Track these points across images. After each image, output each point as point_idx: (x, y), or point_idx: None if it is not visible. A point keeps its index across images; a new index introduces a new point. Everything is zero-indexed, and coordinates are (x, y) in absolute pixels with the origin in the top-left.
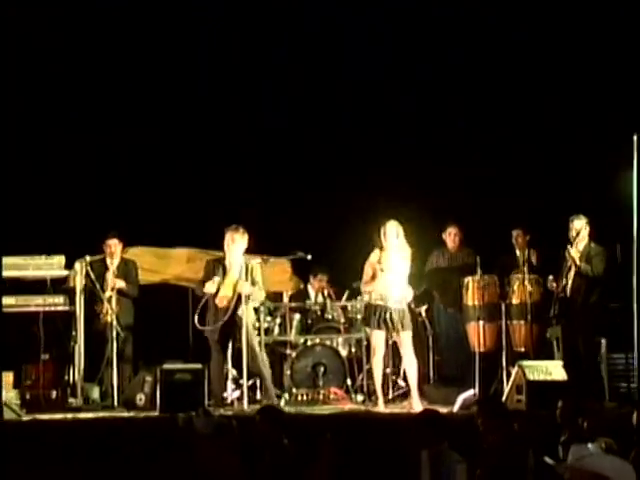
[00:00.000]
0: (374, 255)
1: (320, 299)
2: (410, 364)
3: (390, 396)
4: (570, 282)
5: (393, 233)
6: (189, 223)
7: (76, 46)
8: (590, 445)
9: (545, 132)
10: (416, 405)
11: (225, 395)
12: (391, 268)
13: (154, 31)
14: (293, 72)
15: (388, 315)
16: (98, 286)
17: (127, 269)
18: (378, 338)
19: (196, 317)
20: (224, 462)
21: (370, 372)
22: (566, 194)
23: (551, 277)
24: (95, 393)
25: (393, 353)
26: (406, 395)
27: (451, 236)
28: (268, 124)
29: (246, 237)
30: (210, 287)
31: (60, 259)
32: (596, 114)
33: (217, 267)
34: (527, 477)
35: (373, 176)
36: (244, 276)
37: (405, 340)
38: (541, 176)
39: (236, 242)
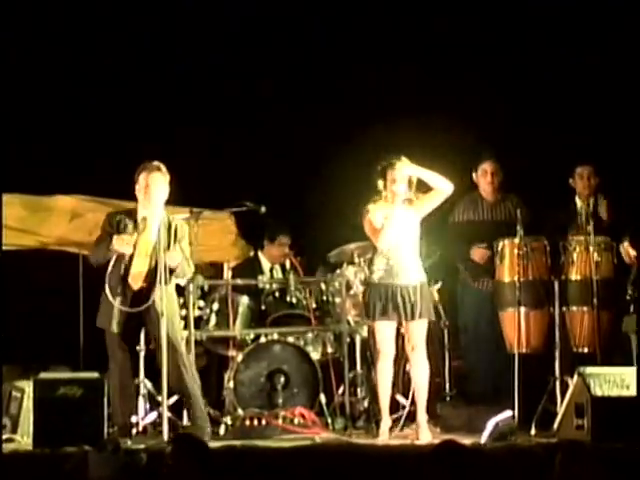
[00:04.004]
0: (374, 208)
1: (279, 274)
2: (420, 370)
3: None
4: None
5: (404, 178)
6: (78, 161)
7: None
8: None
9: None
10: (424, 434)
11: (134, 419)
12: (401, 229)
13: None
14: None
15: (401, 297)
16: None
17: None
18: (387, 331)
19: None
20: None
21: (356, 382)
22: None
23: (626, 242)
24: None
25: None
26: (411, 418)
27: (487, 176)
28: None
29: (168, 179)
30: (121, 245)
31: None
32: None
33: (123, 224)
34: None
35: (370, 90)
36: (166, 239)
37: (418, 333)
38: (609, 101)
39: (156, 187)
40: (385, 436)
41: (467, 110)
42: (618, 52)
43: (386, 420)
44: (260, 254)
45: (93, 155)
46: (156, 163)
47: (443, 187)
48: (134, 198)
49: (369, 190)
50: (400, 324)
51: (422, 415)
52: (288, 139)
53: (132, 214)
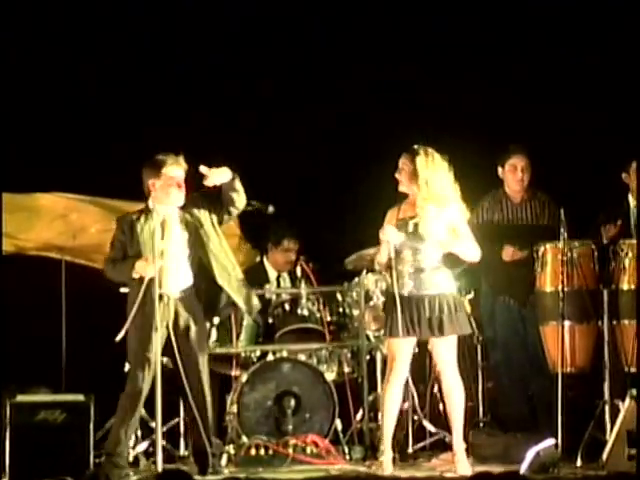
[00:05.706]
0: (391, 215)
1: (287, 283)
2: (455, 392)
3: (410, 449)
4: None
5: (403, 171)
6: (74, 160)
7: None
8: None
9: None
10: (463, 467)
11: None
12: (427, 229)
13: None
14: None
15: (424, 309)
16: None
17: None
18: (404, 348)
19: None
20: None
21: (376, 406)
22: None
23: None
24: None
25: (415, 372)
26: (439, 447)
27: (516, 172)
28: None
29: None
30: (143, 270)
31: None
32: None
33: (140, 228)
34: None
35: (370, 90)
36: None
37: (447, 350)
38: None
39: (180, 178)
40: (389, 470)
41: (467, 110)
42: (618, 52)
43: (388, 452)
44: (265, 260)
45: (91, 155)
46: (175, 155)
47: (469, 258)
48: (131, 196)
49: (384, 190)
50: (425, 341)
51: (459, 444)
52: (288, 139)
53: (146, 214)
